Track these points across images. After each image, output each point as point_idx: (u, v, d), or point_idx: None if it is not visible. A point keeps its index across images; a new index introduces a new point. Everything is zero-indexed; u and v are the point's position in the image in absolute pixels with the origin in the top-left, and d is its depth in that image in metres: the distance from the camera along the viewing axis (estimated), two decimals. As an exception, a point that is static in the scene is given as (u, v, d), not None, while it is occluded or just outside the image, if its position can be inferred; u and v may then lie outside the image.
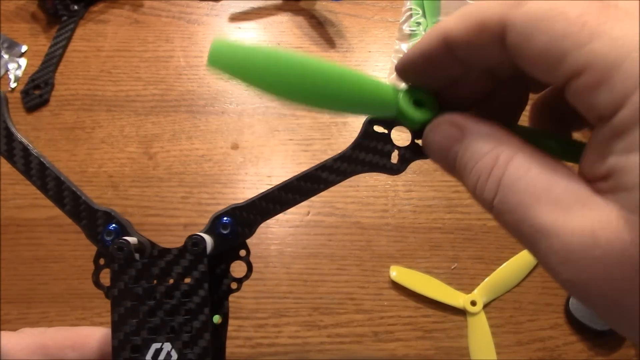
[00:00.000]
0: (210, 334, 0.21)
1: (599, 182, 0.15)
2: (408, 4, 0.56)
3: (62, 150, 0.49)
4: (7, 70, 0.52)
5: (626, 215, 0.14)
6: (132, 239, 0.22)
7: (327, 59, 0.19)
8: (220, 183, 0.48)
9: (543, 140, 0.19)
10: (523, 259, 0.44)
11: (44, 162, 0.22)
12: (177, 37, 0.55)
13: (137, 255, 0.22)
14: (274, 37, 0.55)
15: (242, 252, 0.23)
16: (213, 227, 0.22)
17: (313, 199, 0.22)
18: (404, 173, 0.21)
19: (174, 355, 0.21)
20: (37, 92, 0.51)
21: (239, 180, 0.48)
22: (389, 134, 0.21)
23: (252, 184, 0.48)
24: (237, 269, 0.23)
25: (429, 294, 0.43)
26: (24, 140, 0.22)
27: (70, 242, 0.45)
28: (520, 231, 0.16)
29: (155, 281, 0.21)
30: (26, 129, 0.50)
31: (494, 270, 0.44)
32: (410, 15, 0.56)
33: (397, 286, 0.44)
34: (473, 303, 0.42)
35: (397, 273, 0.44)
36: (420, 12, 0.55)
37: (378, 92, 0.20)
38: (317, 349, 0.42)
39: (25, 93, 0.51)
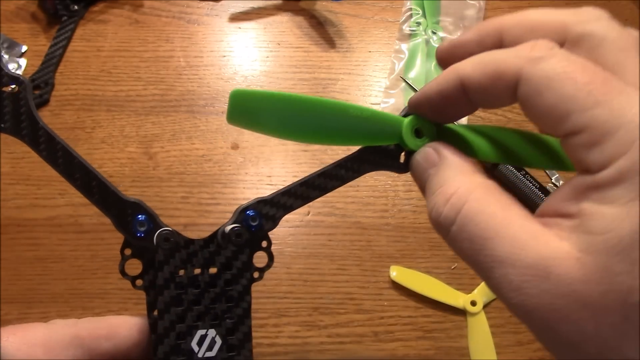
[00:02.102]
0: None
1: (560, 218, 0.17)
2: (408, 4, 0.56)
3: (62, 150, 0.49)
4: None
5: (578, 255, 0.16)
6: (166, 227, 0.22)
7: (333, 100, 0.21)
8: (220, 183, 0.48)
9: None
10: (523, 259, 0.44)
11: (70, 150, 0.22)
12: (177, 37, 0.55)
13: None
14: (274, 37, 0.55)
15: (264, 243, 0.24)
16: (240, 219, 0.23)
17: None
18: (404, 173, 0.23)
19: (218, 341, 0.22)
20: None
21: (239, 180, 0.48)
22: None
23: (252, 184, 0.48)
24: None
25: (429, 294, 0.43)
26: (48, 128, 0.22)
27: (70, 242, 0.45)
28: (475, 258, 0.18)
29: (199, 270, 0.22)
30: (26, 129, 0.50)
31: (494, 270, 0.44)
32: (410, 15, 0.56)
33: (397, 286, 0.44)
34: (473, 303, 0.42)
35: (397, 273, 0.44)
36: (420, 12, 0.55)
37: (384, 122, 0.22)
38: (317, 349, 0.42)
39: (25, 93, 0.51)
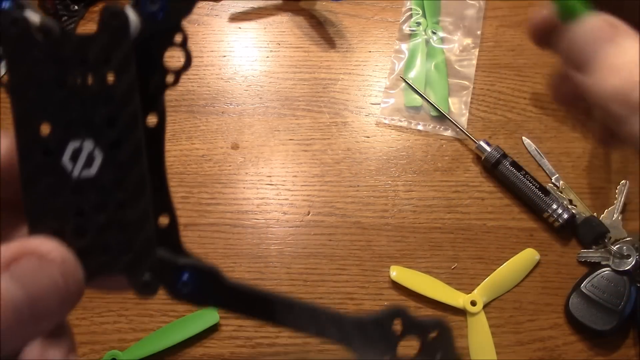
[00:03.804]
0: (145, 133, 0.18)
1: None
2: (408, 4, 0.56)
3: (62, 150, 0.49)
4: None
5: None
6: (33, 15, 0.17)
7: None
8: (220, 183, 0.48)
9: None
10: (523, 259, 0.44)
11: None
12: (177, 37, 0.55)
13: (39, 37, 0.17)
14: (274, 37, 0.55)
15: (178, 38, 0.18)
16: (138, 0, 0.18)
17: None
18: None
19: (99, 155, 0.17)
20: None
21: (239, 180, 0.48)
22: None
23: (252, 184, 0.48)
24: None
25: (429, 294, 0.43)
26: None
27: (70, 242, 0.44)
28: None
29: (67, 66, 0.17)
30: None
31: (494, 270, 0.44)
32: (410, 15, 0.56)
33: (397, 286, 0.44)
34: (473, 303, 0.42)
35: (397, 273, 0.44)
36: (420, 12, 0.55)
37: None
38: (317, 349, 0.42)
39: (26, 93, 0.51)
